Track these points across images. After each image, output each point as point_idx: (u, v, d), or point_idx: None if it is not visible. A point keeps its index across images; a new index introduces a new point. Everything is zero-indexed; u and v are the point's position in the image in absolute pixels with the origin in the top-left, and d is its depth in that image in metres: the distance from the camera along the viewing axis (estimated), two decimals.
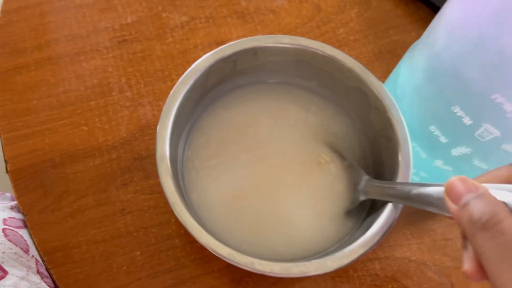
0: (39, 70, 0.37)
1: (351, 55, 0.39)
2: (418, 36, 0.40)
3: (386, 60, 0.39)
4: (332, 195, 0.30)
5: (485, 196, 0.17)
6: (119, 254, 0.31)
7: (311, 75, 0.33)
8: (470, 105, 0.23)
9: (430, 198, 0.21)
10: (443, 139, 0.27)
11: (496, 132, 0.23)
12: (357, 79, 0.30)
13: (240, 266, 0.24)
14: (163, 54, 0.38)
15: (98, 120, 0.35)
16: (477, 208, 0.17)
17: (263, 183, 0.30)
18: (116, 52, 0.38)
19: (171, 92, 0.29)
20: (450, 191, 0.18)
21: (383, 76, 0.38)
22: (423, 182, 0.24)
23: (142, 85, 0.37)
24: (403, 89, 0.30)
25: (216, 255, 0.24)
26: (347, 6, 0.41)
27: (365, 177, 0.28)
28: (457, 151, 0.26)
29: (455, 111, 0.24)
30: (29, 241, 0.31)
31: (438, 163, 0.28)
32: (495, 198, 0.17)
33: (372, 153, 0.31)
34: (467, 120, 0.24)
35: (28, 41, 0.38)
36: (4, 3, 0.40)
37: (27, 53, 0.38)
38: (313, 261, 0.25)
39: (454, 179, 0.18)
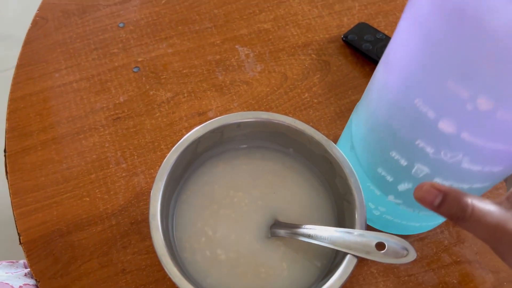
0: (44, 150, 0.42)
1: (315, 116, 0.45)
2: None
3: (347, 118, 0.45)
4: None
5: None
6: None
7: (287, 144, 0.38)
8: (402, 150, 0.28)
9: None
10: (389, 178, 0.31)
11: (426, 170, 0.28)
12: (324, 149, 0.35)
13: None
14: (152, 127, 0.44)
15: (98, 191, 0.40)
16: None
17: (243, 240, 0.35)
18: (112, 129, 0.43)
19: (165, 159, 0.34)
20: (426, 195, 0.24)
21: None
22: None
23: (136, 157, 0.42)
24: (354, 139, 0.35)
25: None
26: (310, 73, 0.47)
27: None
28: (402, 187, 0.31)
29: (393, 155, 0.29)
30: None
31: (391, 197, 0.33)
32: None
33: (338, 212, 0.36)
34: (403, 162, 0.29)
35: (33, 125, 0.44)
36: (11, 92, 0.46)
37: (33, 135, 0.43)
38: None
39: (424, 185, 0.24)
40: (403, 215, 0.35)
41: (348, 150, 0.36)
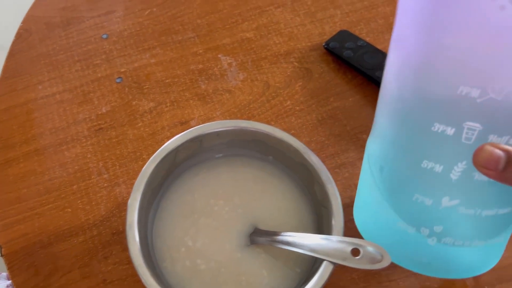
0: (27, 162, 0.42)
1: (297, 123, 0.45)
2: (355, 100, 0.47)
3: (329, 125, 0.45)
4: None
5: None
6: None
7: (267, 151, 0.38)
8: (445, 113, 0.25)
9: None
10: (438, 168, 0.27)
11: (477, 126, 0.24)
12: (302, 157, 0.36)
13: None
14: (135, 137, 0.44)
15: (80, 202, 0.40)
16: None
17: (223, 248, 0.35)
18: (94, 140, 0.44)
19: (142, 169, 0.34)
20: (488, 157, 0.22)
21: (327, 139, 0.44)
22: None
23: (118, 167, 0.42)
24: (382, 163, 0.31)
25: None
26: (292, 81, 0.48)
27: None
28: (455, 173, 0.26)
29: (436, 129, 0.25)
30: None
31: (446, 200, 0.28)
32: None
33: (317, 219, 0.36)
34: (449, 130, 0.25)
35: (16, 137, 0.44)
36: None
37: (16, 147, 0.43)
38: None
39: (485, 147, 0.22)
40: (464, 225, 0.29)
41: (375, 187, 0.32)
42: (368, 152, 0.33)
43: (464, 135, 0.25)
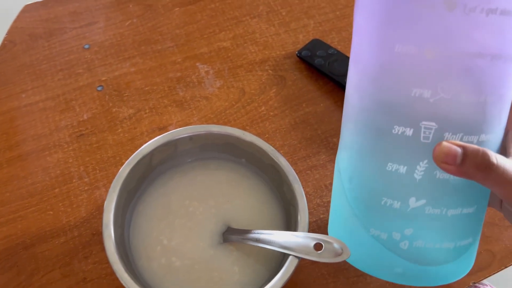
0: (10, 167, 0.44)
1: (271, 128, 0.47)
2: (326, 106, 0.49)
3: (301, 129, 0.47)
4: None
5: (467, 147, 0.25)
6: None
7: (239, 154, 0.40)
8: (403, 115, 0.27)
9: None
10: (402, 169, 0.28)
11: (433, 125, 0.27)
12: (271, 159, 0.38)
13: None
14: (114, 142, 0.46)
15: (61, 204, 0.42)
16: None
17: (196, 245, 0.37)
18: (75, 145, 0.45)
19: (118, 172, 0.36)
20: (447, 152, 0.25)
21: (299, 142, 0.47)
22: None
23: (98, 171, 0.44)
24: (352, 171, 0.32)
25: None
26: (267, 88, 0.50)
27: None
28: (418, 173, 0.28)
29: (396, 131, 0.27)
30: None
31: (412, 202, 0.29)
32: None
33: (286, 217, 0.38)
34: (408, 131, 0.27)
35: (0, 143, 0.45)
36: None
37: (0, 153, 0.45)
38: None
39: (442, 145, 0.25)
40: (432, 226, 0.30)
41: (347, 201, 0.33)
42: (338, 166, 0.34)
43: (422, 135, 0.27)
